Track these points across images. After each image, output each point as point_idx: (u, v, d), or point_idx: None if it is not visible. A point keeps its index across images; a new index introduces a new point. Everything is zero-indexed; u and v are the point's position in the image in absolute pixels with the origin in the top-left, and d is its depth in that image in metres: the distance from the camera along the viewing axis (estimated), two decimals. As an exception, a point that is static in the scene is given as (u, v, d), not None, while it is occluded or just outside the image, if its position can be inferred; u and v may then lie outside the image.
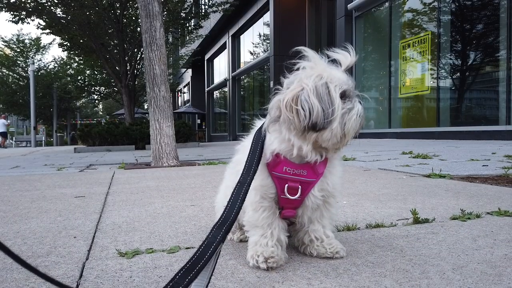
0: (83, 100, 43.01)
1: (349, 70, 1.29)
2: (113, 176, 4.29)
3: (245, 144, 1.37)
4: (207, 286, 1.00)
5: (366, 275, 1.18)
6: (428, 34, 10.70)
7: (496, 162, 4.01)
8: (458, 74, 10.35)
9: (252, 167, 1.22)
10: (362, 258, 1.34)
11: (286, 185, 1.26)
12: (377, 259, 1.32)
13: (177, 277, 0.95)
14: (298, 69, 1.25)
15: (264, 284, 1.15)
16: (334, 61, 1.28)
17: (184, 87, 38.54)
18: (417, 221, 1.77)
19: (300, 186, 1.26)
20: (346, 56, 1.26)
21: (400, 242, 1.49)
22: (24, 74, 34.36)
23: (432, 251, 1.37)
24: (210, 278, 1.02)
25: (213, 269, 1.04)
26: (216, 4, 15.46)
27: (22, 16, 13.59)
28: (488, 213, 1.91)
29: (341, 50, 1.27)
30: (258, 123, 1.36)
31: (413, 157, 4.91)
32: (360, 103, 1.26)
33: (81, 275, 1.27)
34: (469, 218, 1.80)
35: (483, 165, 3.79)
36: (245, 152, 1.29)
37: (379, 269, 1.23)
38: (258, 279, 1.19)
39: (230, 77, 24.41)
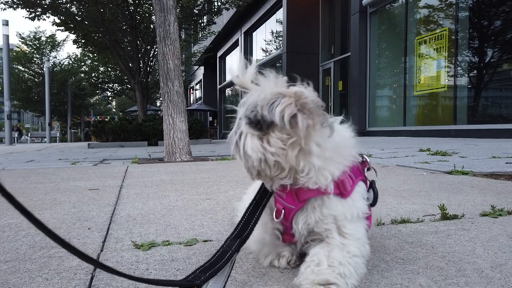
0: (96, 97, 43.53)
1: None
2: (126, 170, 4.27)
3: None
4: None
5: (397, 271, 1.11)
6: (445, 31, 10.45)
7: (519, 160, 3.87)
8: (475, 71, 10.09)
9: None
10: (390, 254, 1.26)
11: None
12: (407, 256, 1.24)
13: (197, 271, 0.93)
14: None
15: (289, 279, 1.08)
16: None
17: (196, 84, 38.61)
18: (445, 217, 1.68)
19: (283, 210, 1.11)
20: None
21: (429, 238, 1.41)
22: (40, 71, 34.85)
23: (465, 248, 1.29)
24: (225, 283, 0.97)
25: (228, 276, 0.99)
26: (230, 0, 15.38)
27: (37, 13, 13.75)
28: (520, 210, 1.81)
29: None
30: None
31: (432, 154, 4.78)
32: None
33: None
34: (500, 215, 1.70)
35: (507, 162, 3.66)
36: None
37: (410, 266, 1.15)
38: (281, 274, 1.13)
39: (242, 75, 24.28)
